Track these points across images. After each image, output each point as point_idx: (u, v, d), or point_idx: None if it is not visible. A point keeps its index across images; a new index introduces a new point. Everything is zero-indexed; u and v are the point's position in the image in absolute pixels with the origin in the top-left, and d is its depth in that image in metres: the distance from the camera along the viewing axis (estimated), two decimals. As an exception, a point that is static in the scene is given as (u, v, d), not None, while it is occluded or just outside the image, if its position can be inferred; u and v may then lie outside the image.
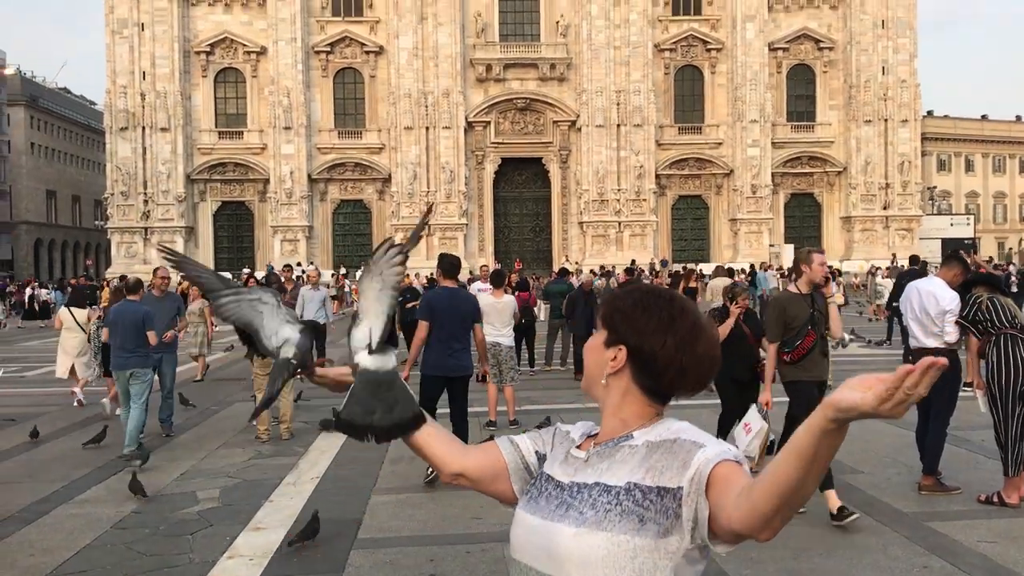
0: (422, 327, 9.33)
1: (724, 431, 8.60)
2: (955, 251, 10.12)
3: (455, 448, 2.10)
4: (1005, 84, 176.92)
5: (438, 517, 7.83)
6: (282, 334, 2.18)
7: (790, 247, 58.46)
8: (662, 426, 1.87)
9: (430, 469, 8.54)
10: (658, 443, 1.81)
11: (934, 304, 8.16)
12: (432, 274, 20.67)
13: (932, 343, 8.19)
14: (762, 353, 8.97)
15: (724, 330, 8.86)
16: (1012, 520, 7.37)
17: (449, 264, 9.79)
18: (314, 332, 2.23)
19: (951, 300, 8.12)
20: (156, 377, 12.22)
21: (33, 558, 6.97)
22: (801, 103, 63.28)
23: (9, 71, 76.04)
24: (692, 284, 21.45)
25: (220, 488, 9.13)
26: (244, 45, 59.58)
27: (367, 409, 2.01)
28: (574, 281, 23.23)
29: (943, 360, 1.37)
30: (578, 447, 1.95)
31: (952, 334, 8.08)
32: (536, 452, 2.02)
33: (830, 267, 13.36)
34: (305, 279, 22.53)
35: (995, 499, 7.70)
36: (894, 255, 51.43)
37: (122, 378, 11.04)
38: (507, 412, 12.16)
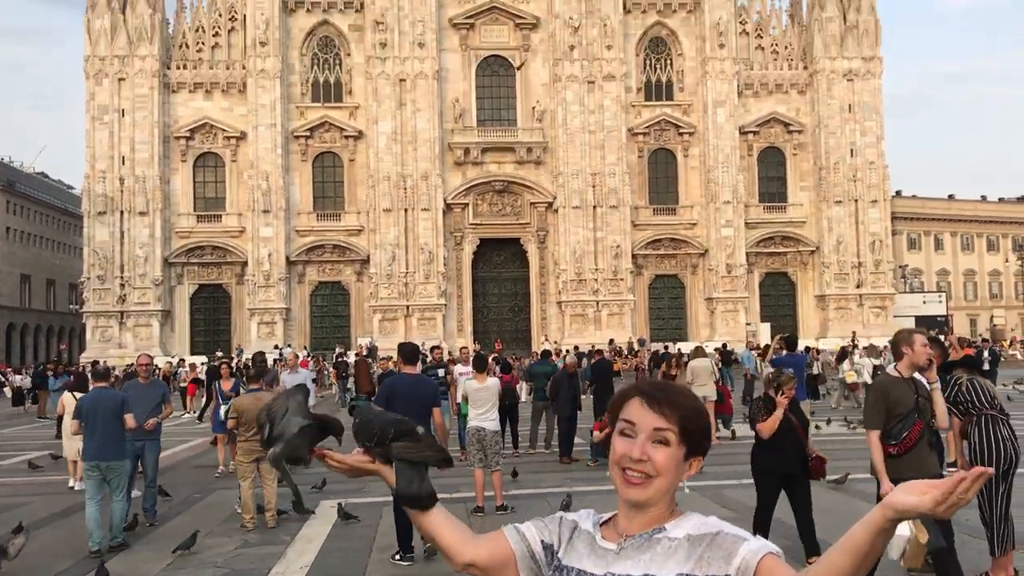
0: None
1: (761, 529, 8.38)
2: (934, 335, 10.43)
3: (466, 536, 2.17)
4: (970, 165, 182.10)
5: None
6: (287, 424, 2.29)
7: (766, 326, 59.24)
8: (694, 519, 2.03)
9: (428, 544, 8.55)
10: (700, 536, 1.97)
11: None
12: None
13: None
14: (811, 443, 8.84)
15: (772, 424, 8.52)
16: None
17: (408, 351, 10.31)
18: (321, 428, 2.32)
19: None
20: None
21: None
22: (773, 184, 64.74)
23: (-12, 156, 76.43)
24: (673, 372, 21.19)
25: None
26: (224, 130, 60.40)
27: (410, 480, 2.20)
28: (557, 362, 23.42)
29: (990, 470, 1.62)
30: (602, 537, 2.07)
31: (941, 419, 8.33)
32: (542, 541, 2.10)
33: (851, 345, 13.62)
34: (284, 363, 22.32)
35: (983, 581, 7.86)
36: (854, 333, 52.12)
37: (96, 470, 10.52)
38: (494, 497, 12.18)
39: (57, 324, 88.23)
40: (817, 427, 17.05)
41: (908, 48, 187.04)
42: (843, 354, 30.60)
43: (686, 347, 38.94)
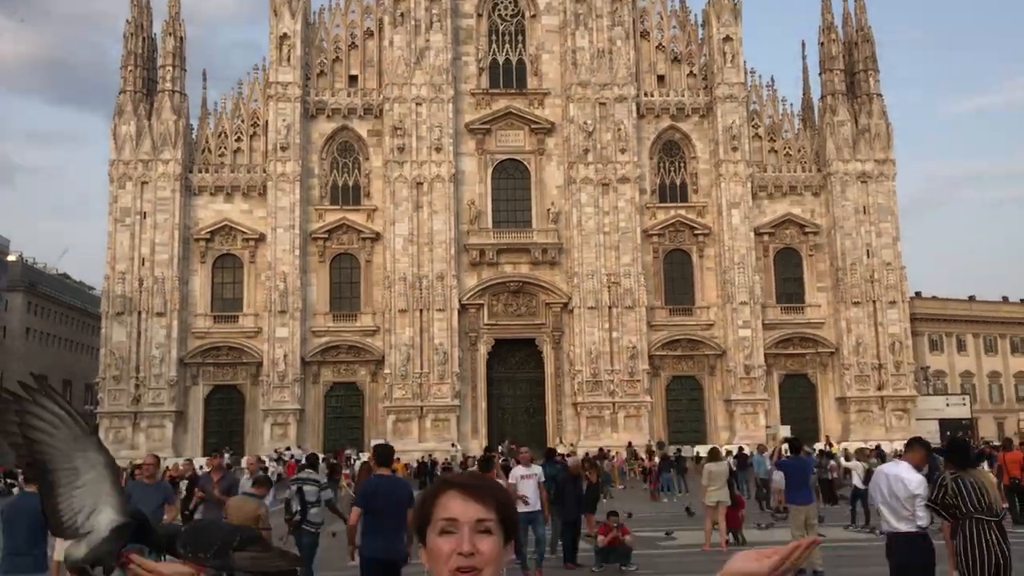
0: (355, 514, 9.91)
1: None
2: (916, 437, 9.99)
3: None
4: (990, 265, 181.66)
5: None
6: (96, 518, 1.84)
7: (786, 428, 58.01)
8: None
9: None
10: None
11: (902, 488, 8.02)
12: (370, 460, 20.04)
13: (904, 527, 7.99)
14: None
15: None
16: None
17: (383, 453, 10.38)
18: (140, 529, 1.90)
19: (919, 484, 7.99)
20: None
21: None
22: (790, 285, 64.52)
23: (11, 258, 77.85)
24: (589, 475, 19.96)
25: None
26: (243, 232, 61.29)
27: None
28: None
29: (820, 539, 1.68)
30: None
31: (924, 518, 7.87)
32: None
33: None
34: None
35: None
36: (827, 437, 51.14)
37: None
38: None
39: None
40: (821, 534, 16.31)
41: (921, 150, 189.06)
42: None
43: (703, 450, 38.15)
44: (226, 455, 51.87)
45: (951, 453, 8.23)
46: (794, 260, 64.78)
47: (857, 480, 25.59)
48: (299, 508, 13.72)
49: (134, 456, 52.83)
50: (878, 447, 44.95)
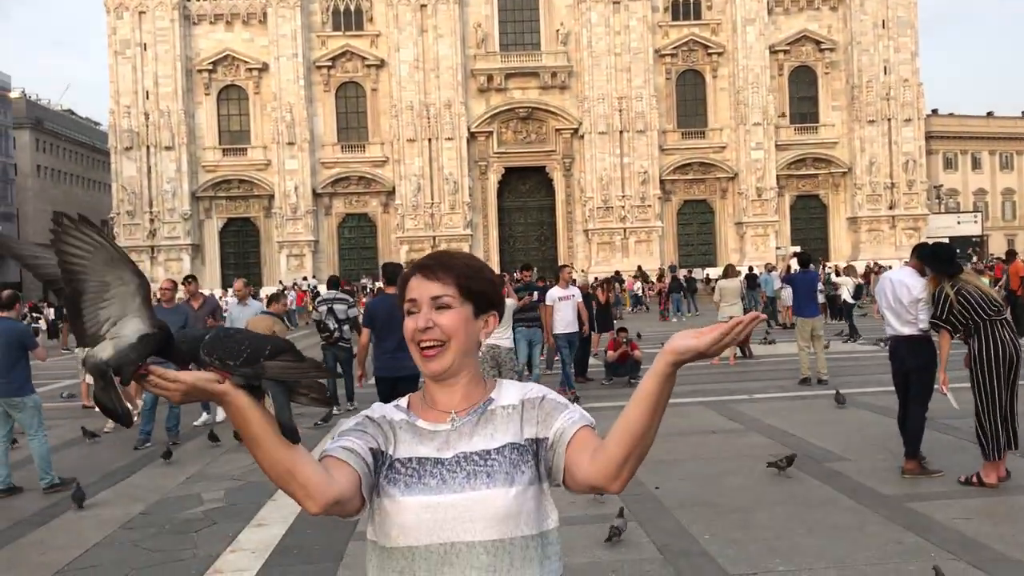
0: (364, 334, 10.13)
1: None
2: (921, 243, 10.16)
3: (322, 469, 1.92)
4: (1010, 80, 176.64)
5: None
6: (122, 326, 1.81)
7: (796, 249, 58.53)
8: (516, 386, 2.11)
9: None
10: (531, 400, 2.05)
11: (906, 293, 8.35)
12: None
13: (907, 331, 8.38)
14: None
15: None
16: (987, 499, 7.59)
17: (391, 272, 10.34)
18: (165, 344, 1.85)
19: (922, 288, 8.30)
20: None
21: (44, 556, 7.24)
22: (804, 105, 63.43)
23: (14, 94, 76.86)
24: (600, 295, 20.23)
25: (225, 490, 9.36)
26: (246, 62, 60.13)
27: (284, 407, 1.86)
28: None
29: (763, 316, 1.64)
30: (424, 421, 2.05)
31: (925, 321, 8.22)
32: (371, 450, 2.00)
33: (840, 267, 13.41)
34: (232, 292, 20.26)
35: (974, 480, 7.88)
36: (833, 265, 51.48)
37: None
38: None
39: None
40: (826, 346, 16.96)
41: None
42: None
43: (714, 272, 38.84)
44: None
45: (937, 263, 8.08)
46: (809, 78, 63.39)
47: (846, 295, 26.50)
48: (336, 326, 14.36)
49: (154, 290, 54.23)
50: (878, 265, 45.70)
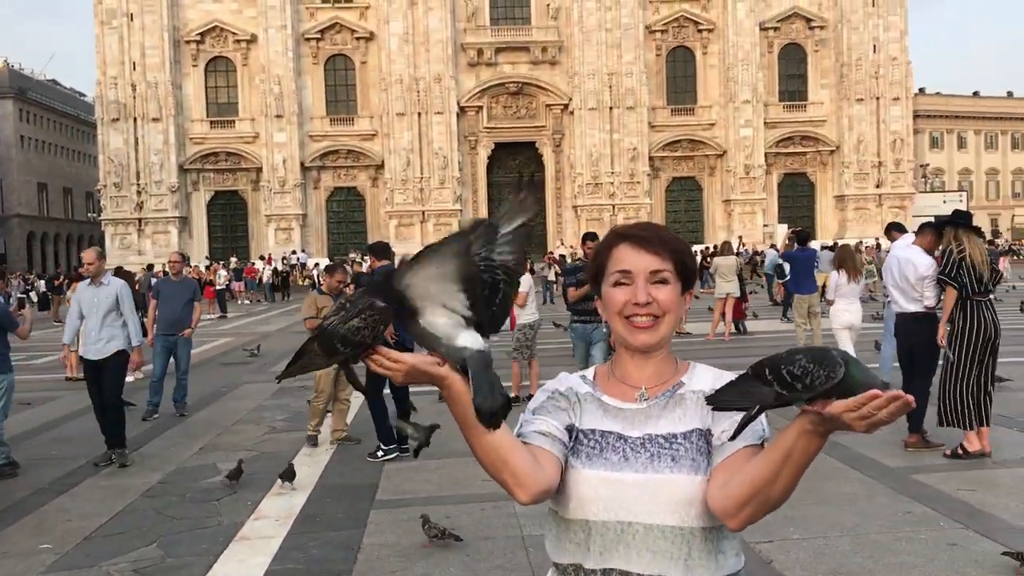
0: None
1: None
2: (928, 220, 10.36)
3: (530, 457, 1.89)
4: (996, 60, 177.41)
5: (451, 480, 8.22)
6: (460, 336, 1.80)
7: (783, 227, 58.93)
8: (709, 371, 2.01)
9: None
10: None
11: (913, 271, 8.56)
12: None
13: (913, 308, 8.60)
14: None
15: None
16: (989, 471, 7.87)
17: (380, 248, 10.57)
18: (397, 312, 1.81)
19: (928, 266, 8.51)
20: (172, 360, 12.62)
21: (71, 523, 7.36)
22: (793, 82, 63.56)
23: (-2, 64, 75.91)
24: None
25: (239, 460, 9.48)
26: (234, 33, 59.57)
27: (490, 392, 1.76)
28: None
29: (910, 397, 1.54)
30: (611, 396, 2.01)
31: (931, 298, 8.44)
32: (567, 427, 1.98)
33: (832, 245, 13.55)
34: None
35: (960, 451, 8.15)
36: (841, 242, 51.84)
37: None
38: (530, 386, 12.22)
39: (76, 232, 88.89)
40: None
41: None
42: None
43: (700, 249, 38.98)
44: (232, 260, 52.91)
45: (962, 218, 8.36)
46: (798, 56, 63.48)
47: (826, 270, 26.86)
48: None
49: (142, 261, 53.92)
50: (878, 242, 46.05)
